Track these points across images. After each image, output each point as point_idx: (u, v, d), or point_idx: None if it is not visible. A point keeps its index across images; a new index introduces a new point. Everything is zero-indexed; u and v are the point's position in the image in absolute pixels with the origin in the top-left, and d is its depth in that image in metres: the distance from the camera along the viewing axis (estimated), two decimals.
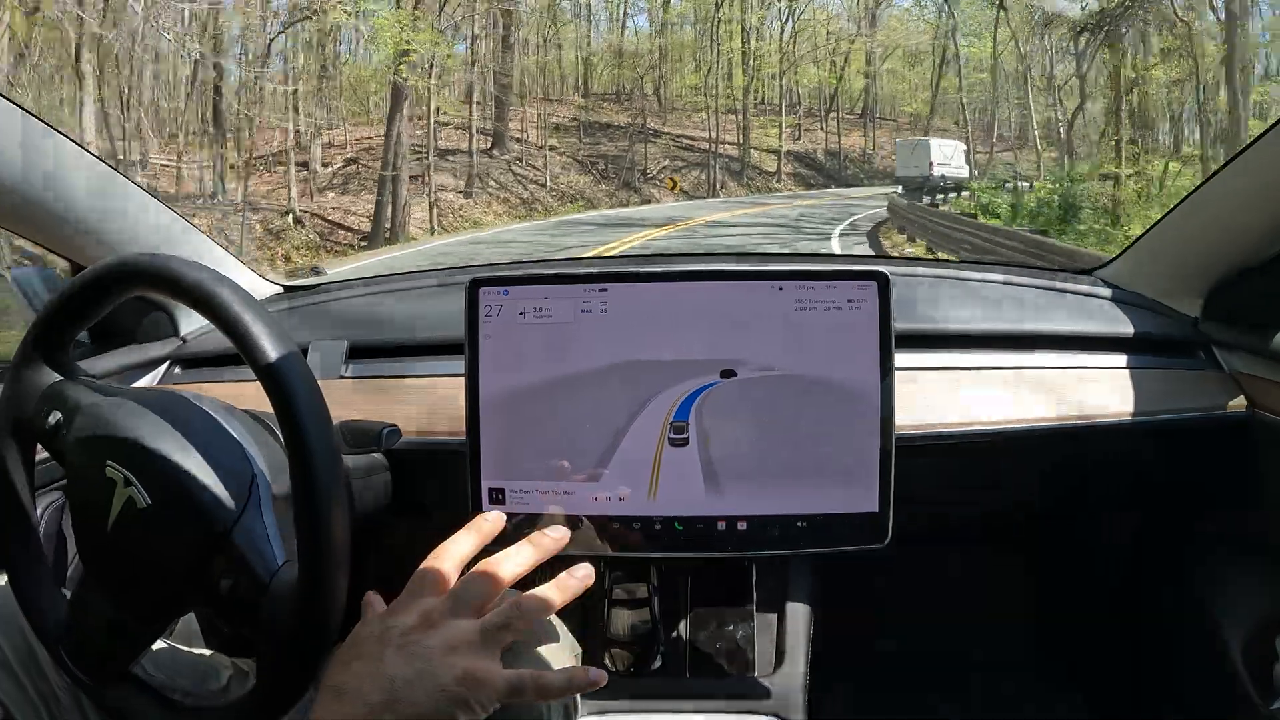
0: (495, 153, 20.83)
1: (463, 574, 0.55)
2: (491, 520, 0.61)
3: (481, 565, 0.55)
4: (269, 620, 0.54)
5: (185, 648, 0.80)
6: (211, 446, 0.59)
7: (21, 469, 0.65)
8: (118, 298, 0.61)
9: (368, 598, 0.56)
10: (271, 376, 0.52)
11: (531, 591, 0.54)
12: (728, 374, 0.73)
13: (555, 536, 0.59)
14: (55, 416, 0.63)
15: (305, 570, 0.52)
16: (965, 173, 22.47)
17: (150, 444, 0.57)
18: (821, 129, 29.82)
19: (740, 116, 26.54)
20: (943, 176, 20.75)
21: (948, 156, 22.19)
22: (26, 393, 0.64)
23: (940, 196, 18.98)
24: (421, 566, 0.54)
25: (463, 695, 0.47)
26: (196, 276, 0.56)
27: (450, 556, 0.55)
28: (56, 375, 0.64)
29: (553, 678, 0.51)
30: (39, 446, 0.65)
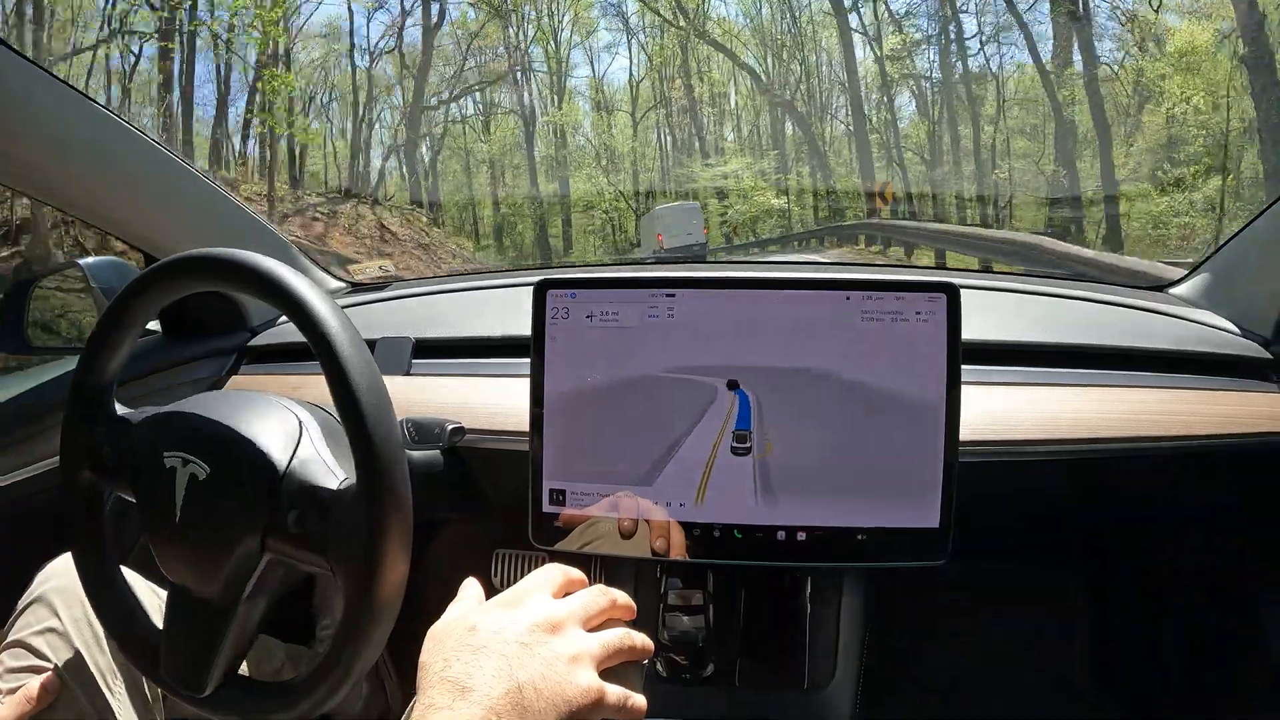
0: None
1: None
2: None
3: (599, 586, 0.54)
4: (342, 535, 0.57)
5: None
6: (258, 410, 0.64)
7: (100, 515, 0.69)
8: (192, 289, 0.64)
9: (468, 584, 0.55)
10: (335, 366, 0.55)
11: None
12: (780, 384, 0.73)
13: (643, 638, 0.55)
14: (112, 456, 0.67)
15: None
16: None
17: (198, 423, 0.63)
18: None
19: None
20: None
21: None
22: (87, 443, 0.68)
23: None
24: (541, 569, 0.54)
25: (583, 709, 0.47)
26: (271, 270, 0.58)
27: (565, 571, 0.55)
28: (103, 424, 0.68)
29: (641, 700, 0.51)
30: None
